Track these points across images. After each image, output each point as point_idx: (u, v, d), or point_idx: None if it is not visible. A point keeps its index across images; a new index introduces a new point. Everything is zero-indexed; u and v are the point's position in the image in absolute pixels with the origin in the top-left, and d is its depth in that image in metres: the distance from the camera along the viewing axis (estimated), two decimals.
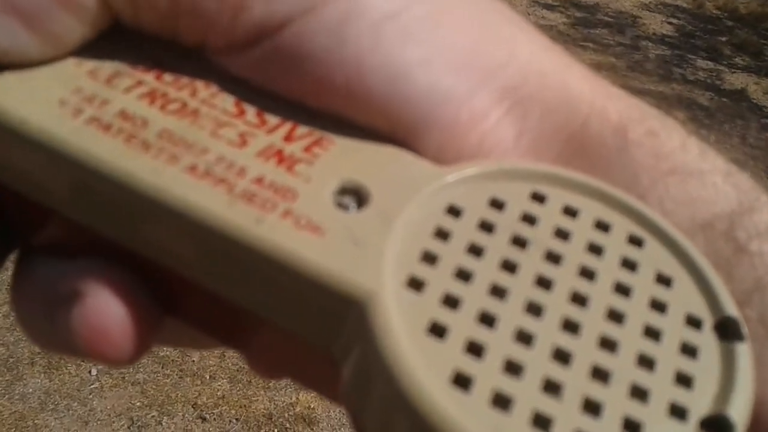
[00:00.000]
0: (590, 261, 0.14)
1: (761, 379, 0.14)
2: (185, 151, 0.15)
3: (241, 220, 0.14)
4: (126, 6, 0.15)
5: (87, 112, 0.15)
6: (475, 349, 0.13)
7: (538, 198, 0.15)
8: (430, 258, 0.14)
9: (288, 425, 2.06)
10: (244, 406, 2.11)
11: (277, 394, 2.18)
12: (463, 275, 0.14)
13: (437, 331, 0.13)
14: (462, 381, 0.12)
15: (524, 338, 0.13)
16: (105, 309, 0.15)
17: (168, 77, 0.16)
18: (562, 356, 0.13)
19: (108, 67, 0.16)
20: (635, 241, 0.15)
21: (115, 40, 0.16)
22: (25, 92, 0.15)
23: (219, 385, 2.15)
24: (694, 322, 0.14)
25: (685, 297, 0.14)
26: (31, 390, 2.00)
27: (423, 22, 0.15)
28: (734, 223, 0.16)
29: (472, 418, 0.12)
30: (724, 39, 4.17)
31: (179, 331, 0.17)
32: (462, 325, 0.13)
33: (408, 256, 0.14)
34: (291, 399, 2.18)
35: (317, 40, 0.15)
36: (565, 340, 0.13)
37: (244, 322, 0.16)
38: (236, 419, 2.08)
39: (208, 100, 0.16)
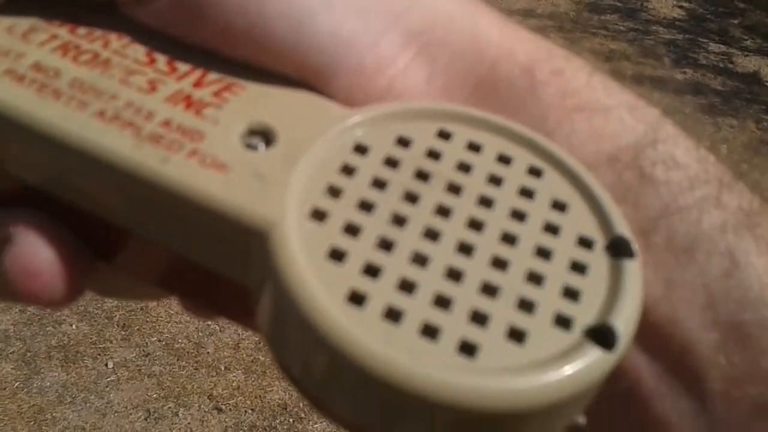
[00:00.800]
0: (490, 191, 0.15)
1: (670, 300, 0.15)
2: (95, 98, 0.15)
3: (148, 160, 0.15)
4: None
5: (3, 64, 0.16)
6: (371, 271, 0.14)
7: (444, 135, 0.16)
8: (334, 191, 0.15)
9: (303, 415, 2.07)
10: (259, 396, 2.12)
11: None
12: (365, 206, 0.15)
13: (336, 256, 0.14)
14: (357, 299, 0.13)
15: (419, 260, 0.14)
16: (34, 252, 0.15)
17: (82, 30, 0.17)
18: (454, 275, 0.14)
19: (24, 23, 0.17)
20: (534, 172, 0.16)
21: None
22: None
23: (234, 376, 2.16)
24: (585, 243, 0.15)
25: (578, 220, 0.15)
26: (48, 383, 2.02)
27: None
28: (639, 154, 0.16)
29: (365, 330, 0.13)
30: (735, 21, 4.13)
31: (116, 279, 0.18)
32: (360, 250, 0.14)
33: (312, 190, 0.15)
34: None
35: None
36: (459, 261, 0.14)
37: (169, 263, 0.17)
38: (251, 410, 2.10)
39: (120, 51, 0.16)
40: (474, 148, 0.16)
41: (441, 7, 0.17)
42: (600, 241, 0.15)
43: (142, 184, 0.15)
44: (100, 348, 2.16)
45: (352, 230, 0.14)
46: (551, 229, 0.15)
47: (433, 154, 0.16)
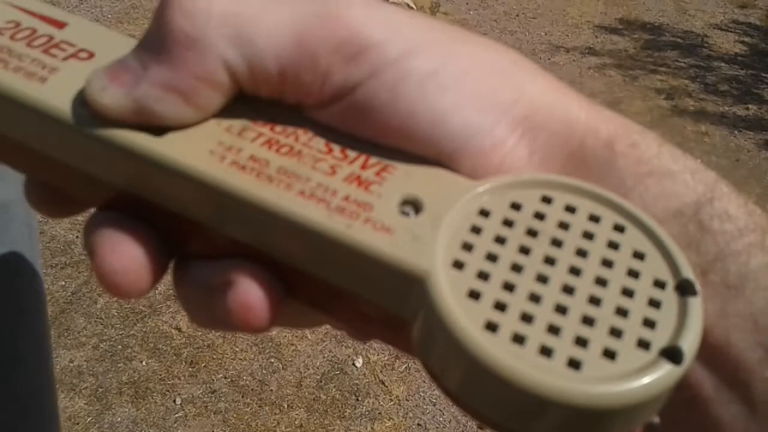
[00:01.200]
0: (584, 244, 0.20)
1: (724, 326, 0.19)
2: (295, 180, 0.20)
3: (337, 226, 0.20)
4: (248, 82, 0.20)
5: (228, 157, 0.20)
6: (500, 307, 0.18)
7: (546, 200, 0.20)
8: (467, 247, 0.19)
9: None
10: None
11: (353, 423, 2.21)
12: (491, 257, 0.19)
13: (474, 295, 0.18)
14: (491, 327, 0.18)
15: (534, 298, 0.18)
16: (250, 291, 0.20)
17: (278, 128, 0.22)
18: (561, 309, 0.18)
19: (238, 123, 0.21)
20: (618, 228, 0.20)
21: (240, 104, 0.22)
22: (186, 145, 0.20)
23: (296, 414, 2.20)
24: (659, 284, 0.19)
25: (653, 266, 0.19)
26: (119, 419, 2.08)
27: (453, 76, 0.20)
28: (699, 209, 0.20)
29: (499, 349, 0.17)
30: None
31: (297, 311, 0.23)
32: (491, 291, 0.18)
33: (452, 246, 0.19)
34: (366, 428, 2.20)
35: (379, 97, 0.20)
36: (563, 299, 0.18)
37: (343, 300, 0.21)
38: None
39: (307, 143, 0.21)
40: (570, 209, 0.20)
41: (540, 97, 0.21)
42: (670, 282, 0.19)
43: (332, 243, 0.20)
44: (168, 384, 2.23)
45: (483, 276, 0.19)
46: (633, 273, 0.19)
47: (539, 216, 0.20)
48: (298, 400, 2.24)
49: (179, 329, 2.45)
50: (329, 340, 2.42)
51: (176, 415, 2.14)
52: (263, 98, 0.21)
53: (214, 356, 2.35)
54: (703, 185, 0.21)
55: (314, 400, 2.23)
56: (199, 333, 2.44)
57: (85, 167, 0.21)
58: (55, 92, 0.21)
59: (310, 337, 2.43)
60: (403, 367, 2.38)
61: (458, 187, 0.20)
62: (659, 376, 0.17)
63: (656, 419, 0.19)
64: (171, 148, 0.20)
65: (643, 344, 0.17)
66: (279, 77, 0.20)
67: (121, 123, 0.20)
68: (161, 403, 2.16)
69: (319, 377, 2.32)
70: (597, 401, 0.16)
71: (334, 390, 2.29)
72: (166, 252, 0.22)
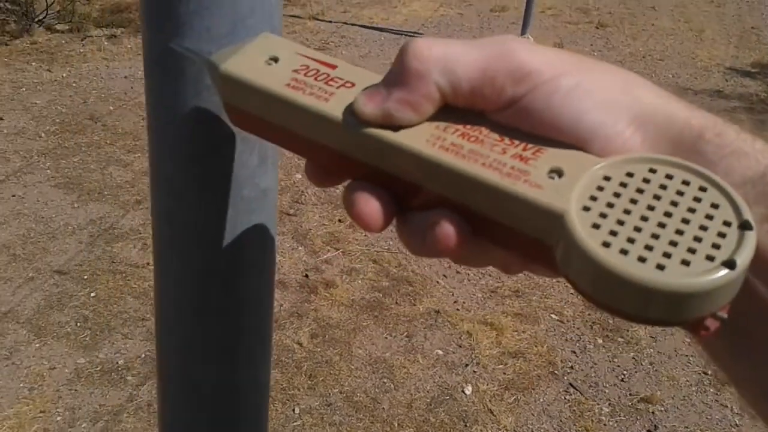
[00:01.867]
0: (676, 198, 0.28)
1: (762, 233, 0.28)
2: (480, 157, 0.30)
3: (506, 183, 0.29)
4: (451, 97, 0.31)
5: (437, 144, 0.31)
6: (612, 233, 0.27)
7: (652, 170, 0.29)
8: (593, 198, 0.28)
9: None
10: None
11: None
12: (609, 205, 0.28)
13: (595, 226, 0.27)
14: (606, 245, 0.26)
15: (637, 229, 0.27)
16: (447, 230, 0.30)
17: (468, 126, 0.31)
18: (655, 236, 0.27)
19: (443, 123, 0.32)
20: (702, 189, 0.28)
21: (445, 111, 0.32)
22: (411, 136, 0.31)
23: None
24: (727, 223, 0.27)
25: (724, 212, 0.27)
26: None
27: (587, 89, 0.30)
28: (765, 175, 0.29)
29: (611, 258, 0.26)
30: None
31: (478, 249, 0.32)
32: (606, 224, 0.27)
33: (583, 197, 0.28)
34: None
35: (537, 104, 0.30)
36: (657, 230, 0.27)
37: (510, 235, 0.31)
38: None
39: (487, 135, 0.31)
40: (668, 176, 0.28)
41: (649, 101, 0.30)
42: (735, 222, 0.27)
43: (504, 195, 0.29)
44: (288, 394, 2.37)
45: (602, 215, 0.27)
46: (708, 216, 0.27)
47: (645, 180, 0.28)
48: (408, 420, 2.32)
49: (300, 344, 2.61)
50: (440, 366, 2.50)
51: (294, 424, 2.27)
52: (460, 107, 0.31)
53: (332, 372, 2.48)
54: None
55: (423, 421, 2.30)
56: (318, 349, 2.59)
57: (348, 152, 0.33)
58: (334, 106, 0.33)
59: (421, 362, 2.52)
60: (512, 398, 2.42)
61: (589, 162, 0.29)
62: (718, 275, 0.25)
63: (724, 314, 0.27)
64: (403, 138, 0.31)
65: (710, 258, 0.26)
66: (470, 93, 0.31)
67: (374, 124, 0.31)
68: (281, 411, 2.30)
69: (429, 401, 2.40)
70: (671, 288, 0.25)
71: (443, 414, 2.36)
72: (395, 205, 0.32)
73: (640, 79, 0.31)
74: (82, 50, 5.19)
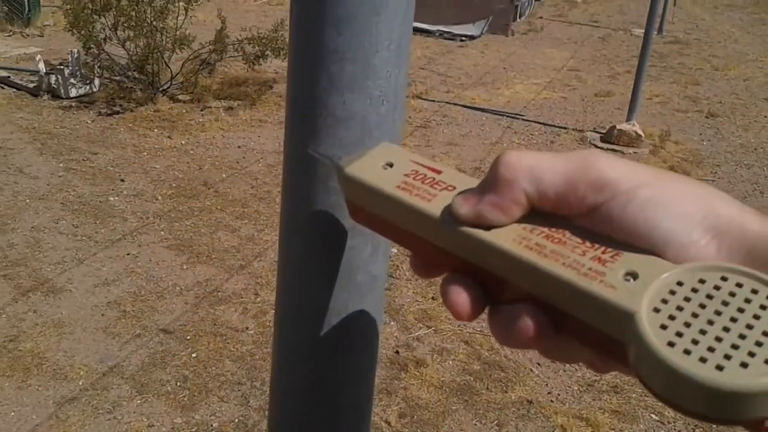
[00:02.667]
0: (743, 305, 0.29)
1: None
2: (561, 257, 0.32)
3: (584, 284, 0.31)
4: (537, 202, 0.34)
5: (524, 243, 0.34)
6: (679, 334, 0.28)
7: (723, 278, 0.30)
8: (664, 301, 0.30)
9: None
10: None
11: None
12: (679, 308, 0.29)
13: (663, 327, 0.29)
14: (671, 344, 0.28)
15: (702, 332, 0.28)
16: (528, 324, 0.32)
17: (553, 229, 0.34)
18: (718, 339, 0.28)
19: (530, 225, 0.34)
20: None
21: (532, 214, 0.34)
22: (501, 236, 0.34)
23: None
24: None
25: None
26: None
27: (663, 200, 0.31)
28: None
29: (675, 356, 0.27)
30: None
31: (562, 345, 0.34)
32: (675, 325, 0.29)
33: (654, 299, 0.30)
34: None
35: (615, 212, 0.32)
36: (721, 333, 0.28)
37: (588, 332, 0.32)
38: None
39: (570, 237, 0.33)
40: (738, 285, 0.30)
41: (725, 212, 0.31)
42: None
43: (581, 293, 0.31)
44: None
45: (671, 317, 0.29)
46: None
47: (716, 287, 0.30)
48: None
49: (389, 423, 2.59)
50: None
51: None
52: (546, 211, 0.34)
53: None
54: None
55: None
56: (406, 430, 2.56)
57: (446, 247, 0.36)
58: (435, 206, 0.36)
59: None
60: None
61: (664, 267, 0.31)
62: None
63: None
64: (492, 237, 0.34)
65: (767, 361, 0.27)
66: (555, 199, 0.33)
67: (468, 224, 0.35)
68: None
69: None
70: (727, 387, 0.26)
71: None
72: (485, 298, 0.35)
73: (717, 191, 0.33)
74: (201, 120, 5.53)
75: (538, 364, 2.91)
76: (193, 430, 2.49)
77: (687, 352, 0.28)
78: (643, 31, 5.75)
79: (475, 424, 2.59)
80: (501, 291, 0.35)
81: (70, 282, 3.29)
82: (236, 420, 2.54)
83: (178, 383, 2.70)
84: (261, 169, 4.67)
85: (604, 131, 5.72)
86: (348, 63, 0.40)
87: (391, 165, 0.39)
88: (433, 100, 6.44)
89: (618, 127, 5.62)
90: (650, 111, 6.45)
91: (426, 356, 2.92)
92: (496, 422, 2.60)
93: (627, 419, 2.63)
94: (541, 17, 11.09)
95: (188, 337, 2.96)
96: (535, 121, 6.02)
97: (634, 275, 0.31)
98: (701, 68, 8.30)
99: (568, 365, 2.91)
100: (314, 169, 0.43)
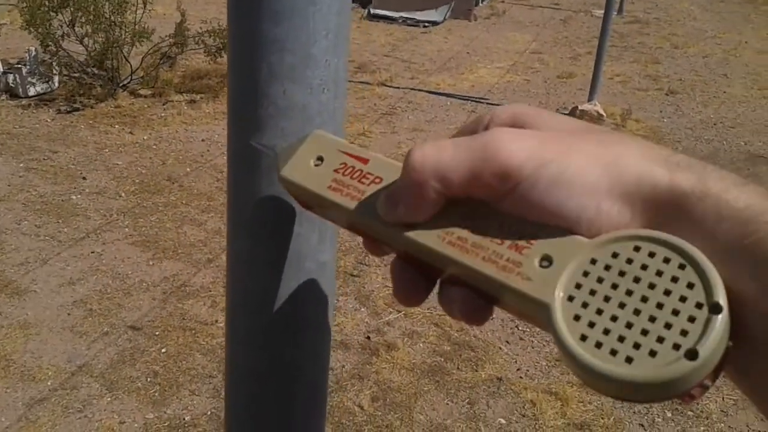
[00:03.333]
0: (654, 279, 0.29)
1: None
2: (480, 250, 0.33)
3: (503, 278, 0.32)
4: (452, 195, 0.34)
5: (446, 238, 0.34)
6: (591, 324, 0.29)
7: (636, 248, 0.30)
8: (578, 286, 0.30)
9: None
10: None
11: None
12: (592, 292, 0.30)
13: (576, 318, 0.29)
14: (583, 338, 0.29)
15: (613, 318, 0.29)
16: (466, 306, 0.34)
17: (472, 217, 0.34)
18: (629, 325, 0.28)
19: (452, 216, 0.35)
20: (681, 266, 0.29)
21: (450, 205, 0.35)
22: (422, 233, 0.35)
23: None
24: (699, 305, 0.28)
25: (697, 294, 0.28)
26: None
27: (568, 177, 0.31)
28: (746, 236, 0.29)
29: (586, 352, 0.28)
30: None
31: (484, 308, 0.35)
32: (588, 314, 0.29)
33: (569, 286, 0.30)
34: None
35: (524, 197, 0.32)
36: (632, 318, 0.29)
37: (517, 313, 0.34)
38: None
39: (488, 224, 0.34)
40: (651, 254, 0.29)
41: (633, 173, 0.31)
42: (705, 304, 0.28)
43: (500, 285, 0.32)
44: None
45: (584, 305, 0.30)
46: (683, 299, 0.28)
47: (629, 261, 0.30)
48: None
49: (362, 407, 2.61)
50: None
51: None
52: (460, 198, 0.34)
53: None
54: (756, 222, 0.28)
55: None
56: (379, 413, 2.59)
57: (382, 240, 0.38)
58: (364, 206, 0.37)
59: (483, 431, 2.48)
60: None
61: (578, 245, 0.31)
62: (680, 367, 0.27)
63: (708, 383, 0.28)
64: (418, 235, 0.35)
65: (676, 346, 0.27)
66: (465, 192, 0.33)
67: (393, 224, 0.36)
68: None
69: None
70: (636, 380, 0.27)
71: None
72: (426, 282, 0.36)
73: (628, 143, 0.33)
74: (163, 114, 5.47)
75: (507, 342, 2.96)
76: (165, 424, 2.49)
77: (598, 345, 0.28)
78: (603, 11, 5.81)
79: (447, 404, 2.62)
80: (440, 274, 0.36)
81: (35, 282, 3.25)
82: (209, 412, 2.54)
83: (149, 379, 2.69)
84: (225, 162, 4.64)
85: (566, 112, 5.79)
86: (287, 53, 0.41)
87: (321, 159, 0.40)
88: (398, 87, 6.44)
89: (580, 107, 5.69)
90: (611, 90, 6.54)
91: (397, 340, 2.95)
92: (467, 400, 2.64)
93: (595, 392, 2.69)
94: (503, 1, 11.12)
95: (157, 333, 2.94)
96: (499, 104, 6.05)
97: (549, 259, 0.31)
98: (661, 47, 8.41)
99: (536, 341, 2.97)
100: (257, 160, 0.44)
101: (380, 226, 0.37)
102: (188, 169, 4.51)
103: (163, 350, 2.84)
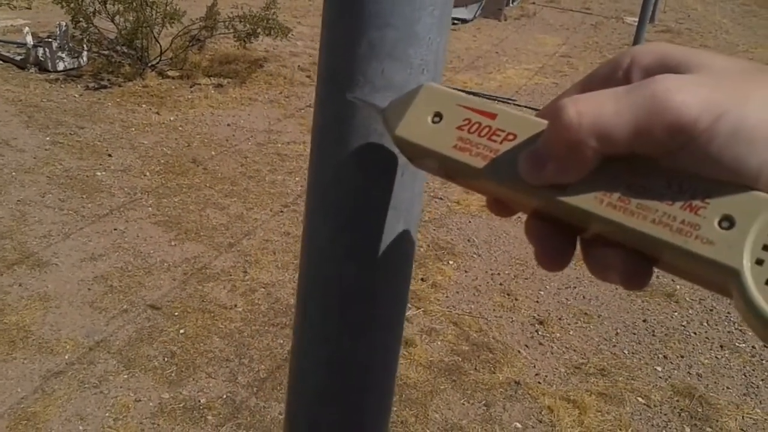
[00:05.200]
0: None
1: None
2: (648, 212, 0.30)
3: (680, 242, 0.29)
4: (612, 154, 0.30)
5: (605, 200, 0.31)
6: None
7: None
8: (766, 248, 0.28)
9: None
10: None
11: None
12: None
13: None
14: None
15: None
16: (622, 272, 0.31)
17: (633, 174, 0.31)
18: None
19: (609, 174, 0.31)
20: None
21: (608, 163, 0.31)
22: (577, 198, 0.32)
23: None
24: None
25: None
26: None
27: (748, 129, 0.28)
28: None
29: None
30: None
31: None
32: None
33: (756, 249, 0.28)
34: None
35: (698, 153, 0.28)
36: None
37: (687, 276, 0.32)
38: None
39: (653, 183, 0.30)
40: None
41: None
42: None
43: (676, 250, 0.29)
44: None
45: None
46: None
47: None
48: None
49: None
50: None
51: None
52: (618, 154, 0.31)
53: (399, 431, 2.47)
54: None
55: None
56: (395, 408, 2.56)
57: (520, 201, 0.35)
58: (501, 166, 0.34)
59: None
60: None
61: (760, 203, 0.28)
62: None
63: None
64: (570, 198, 0.32)
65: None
66: (629, 149, 0.30)
67: (539, 187, 0.32)
68: None
69: None
70: None
71: None
72: (569, 244, 0.33)
73: None
74: (190, 96, 5.47)
75: (526, 346, 2.93)
76: (180, 405, 2.49)
77: None
78: (635, 19, 5.77)
79: (463, 404, 2.60)
80: (582, 231, 0.33)
81: (56, 256, 3.26)
82: (224, 396, 2.54)
83: (166, 359, 2.69)
84: (250, 148, 4.63)
85: None
86: (390, 29, 0.39)
87: (440, 116, 0.36)
88: None
89: None
90: None
91: (415, 336, 2.93)
92: (483, 402, 2.61)
93: (614, 402, 2.66)
94: (533, 2, 11.05)
95: (176, 314, 2.94)
96: (526, 106, 6.00)
97: (731, 220, 0.28)
98: None
99: (555, 347, 2.94)
100: (346, 141, 0.42)
101: (520, 187, 0.33)
102: (213, 153, 4.51)
103: (182, 331, 2.84)
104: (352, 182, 0.42)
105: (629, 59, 0.33)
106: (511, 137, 0.34)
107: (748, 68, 0.31)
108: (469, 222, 3.91)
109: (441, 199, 4.16)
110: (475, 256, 3.58)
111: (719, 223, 0.29)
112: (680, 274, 0.31)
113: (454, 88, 0.38)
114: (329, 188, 0.43)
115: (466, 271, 3.44)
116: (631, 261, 0.31)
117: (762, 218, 0.28)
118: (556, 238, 0.33)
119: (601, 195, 0.31)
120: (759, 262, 0.27)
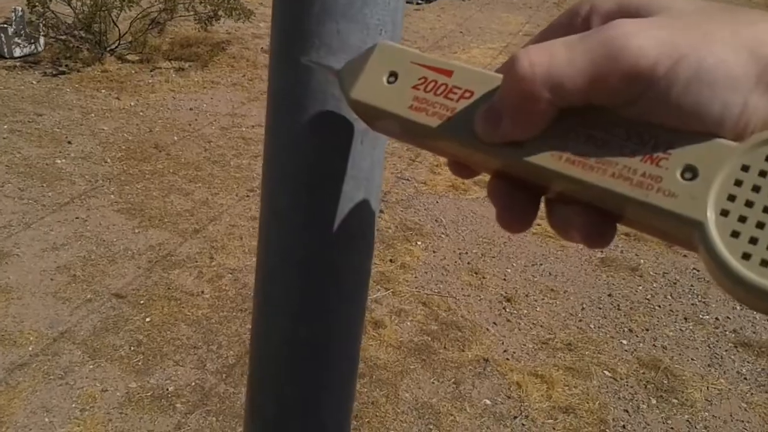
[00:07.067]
0: None
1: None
2: (608, 166, 0.29)
3: (641, 196, 0.28)
4: (568, 105, 0.29)
5: (564, 157, 0.30)
6: (753, 240, 0.25)
7: None
8: (731, 198, 0.26)
9: None
10: None
11: None
12: (749, 203, 0.26)
13: (735, 235, 0.26)
14: (746, 256, 0.25)
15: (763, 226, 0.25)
16: (585, 230, 0.30)
17: (591, 127, 0.29)
18: None
19: (566, 128, 0.30)
20: None
21: (564, 111, 0.30)
22: (535, 154, 0.30)
23: None
24: None
25: None
26: None
27: (707, 74, 0.26)
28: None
29: (752, 272, 0.25)
30: None
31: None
32: (748, 230, 0.26)
33: (720, 200, 0.26)
34: None
35: (657, 100, 0.27)
36: None
37: (649, 231, 0.31)
38: None
39: (612, 134, 0.29)
40: None
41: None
42: None
43: (637, 204, 0.28)
44: None
45: (742, 219, 0.26)
46: None
47: None
48: None
49: None
50: (488, 416, 2.46)
51: None
52: (574, 107, 0.29)
53: (377, 414, 2.46)
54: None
55: None
56: (365, 389, 2.58)
57: (479, 162, 0.33)
58: (457, 125, 0.32)
59: (468, 411, 2.48)
60: None
61: (724, 151, 0.26)
62: None
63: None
64: (528, 155, 0.30)
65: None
66: (584, 101, 0.28)
67: (496, 144, 0.31)
68: None
69: None
70: None
71: None
72: (532, 203, 0.32)
73: None
74: (150, 81, 5.37)
75: (494, 323, 2.95)
76: (148, 394, 2.45)
77: (765, 263, 0.25)
78: None
79: (433, 383, 2.62)
80: (546, 190, 0.32)
81: (17, 246, 3.18)
82: (192, 383, 2.51)
83: (132, 348, 2.65)
84: (214, 132, 4.57)
85: None
86: None
87: (395, 76, 0.35)
88: None
89: None
90: None
91: (384, 317, 2.93)
92: (453, 380, 2.63)
93: (581, 376, 2.69)
94: None
95: (141, 302, 2.90)
96: None
97: (694, 171, 0.27)
98: None
99: (523, 323, 2.96)
100: (302, 107, 0.40)
101: (478, 146, 0.32)
102: (176, 138, 4.43)
103: (148, 319, 2.80)
104: (309, 150, 0.41)
105: (588, 6, 0.32)
106: (468, 94, 0.33)
107: (709, 9, 0.29)
108: (437, 202, 3.92)
109: (408, 180, 4.15)
110: (442, 236, 3.59)
111: (682, 174, 0.27)
112: (645, 229, 0.30)
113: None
114: (286, 157, 0.42)
115: (434, 252, 3.44)
116: (593, 218, 0.30)
117: (726, 167, 0.27)
118: (519, 198, 0.32)
119: (559, 151, 0.30)
120: (724, 213, 0.26)
